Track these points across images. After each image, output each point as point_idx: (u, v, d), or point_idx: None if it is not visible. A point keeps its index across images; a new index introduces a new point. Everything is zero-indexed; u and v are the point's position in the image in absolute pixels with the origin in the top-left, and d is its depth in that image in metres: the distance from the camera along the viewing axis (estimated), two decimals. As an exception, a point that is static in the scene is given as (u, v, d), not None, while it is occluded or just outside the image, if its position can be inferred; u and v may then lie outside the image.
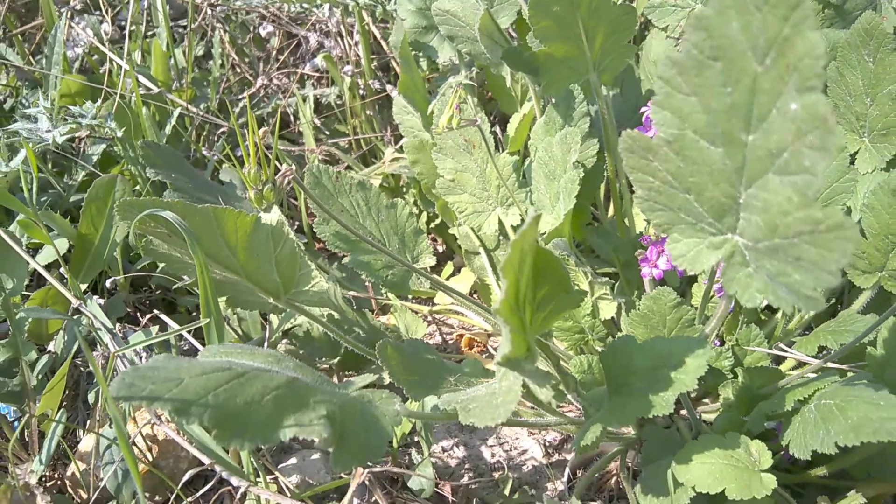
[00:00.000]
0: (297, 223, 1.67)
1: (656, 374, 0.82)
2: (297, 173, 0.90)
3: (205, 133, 1.75)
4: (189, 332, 0.89)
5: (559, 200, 1.16)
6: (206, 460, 0.79)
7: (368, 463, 0.74)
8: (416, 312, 1.47)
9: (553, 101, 1.22)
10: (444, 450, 1.22)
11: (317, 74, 1.85)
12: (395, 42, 1.36)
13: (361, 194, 1.19)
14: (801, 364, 1.07)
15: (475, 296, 1.49)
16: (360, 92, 1.75)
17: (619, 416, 0.82)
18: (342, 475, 0.95)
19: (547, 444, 1.27)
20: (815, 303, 0.60)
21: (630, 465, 1.14)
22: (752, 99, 0.57)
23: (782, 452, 1.07)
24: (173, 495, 0.82)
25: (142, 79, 1.66)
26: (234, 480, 0.77)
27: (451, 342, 1.49)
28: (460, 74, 1.42)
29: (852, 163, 1.05)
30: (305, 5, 1.85)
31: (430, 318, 1.52)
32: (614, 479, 1.17)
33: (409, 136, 1.40)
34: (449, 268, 1.58)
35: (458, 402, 0.82)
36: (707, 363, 0.79)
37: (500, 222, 1.33)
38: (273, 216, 0.88)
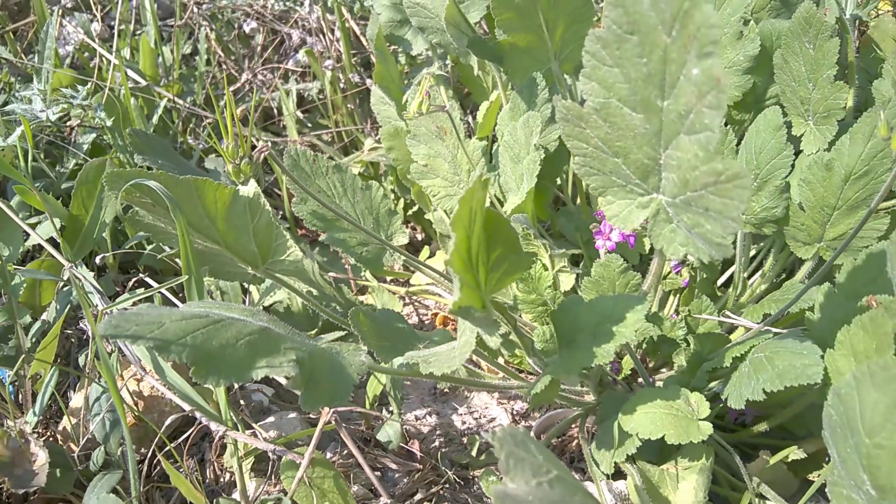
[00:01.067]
0: (280, 212, 1.75)
1: (600, 329, 0.89)
2: (278, 158, 0.98)
3: (191, 125, 1.82)
4: (175, 296, 0.96)
5: (523, 181, 1.24)
6: (186, 407, 0.86)
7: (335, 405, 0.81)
8: (394, 293, 1.54)
9: (518, 88, 1.30)
10: (417, 418, 1.29)
11: (300, 70, 1.93)
12: (371, 35, 1.44)
13: (337, 176, 1.26)
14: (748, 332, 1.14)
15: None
16: (341, 86, 1.82)
17: (566, 366, 0.89)
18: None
19: (514, 412, 1.35)
20: (725, 249, 0.68)
21: (589, 428, 1.22)
22: (664, 68, 0.65)
23: (729, 413, 1.15)
24: (154, 443, 0.88)
25: (130, 73, 1.73)
26: (213, 426, 0.84)
27: (426, 321, 1.57)
28: (434, 66, 1.49)
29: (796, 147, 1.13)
30: (288, 3, 1.93)
31: (406, 299, 1.59)
32: (575, 442, 1.24)
33: (386, 125, 1.48)
34: (425, 252, 1.66)
35: (420, 356, 0.90)
36: (644, 317, 0.87)
37: (471, 205, 1.40)
38: (250, 189, 0.95)
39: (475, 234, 0.78)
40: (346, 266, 1.56)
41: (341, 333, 1.14)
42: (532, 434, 1.25)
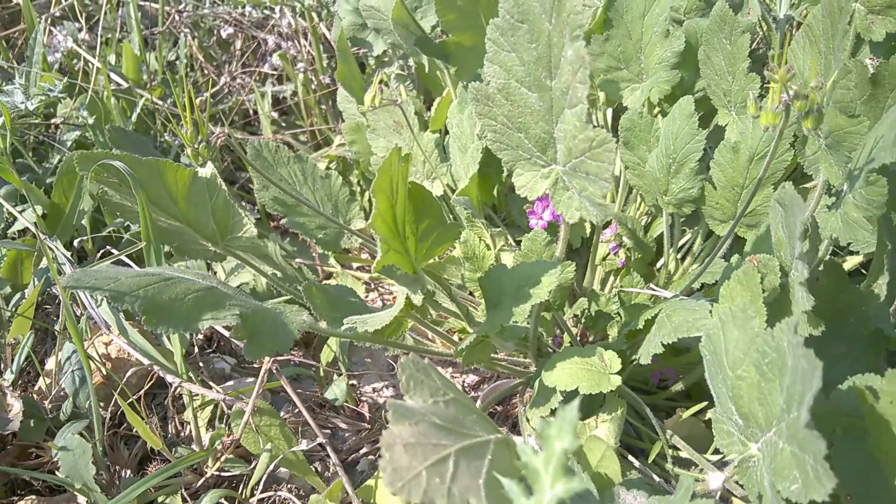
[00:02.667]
0: (256, 206, 1.85)
1: (520, 292, 0.99)
2: (234, 145, 1.08)
3: (170, 125, 1.93)
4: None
5: (469, 169, 1.34)
6: (146, 361, 0.96)
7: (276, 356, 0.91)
8: (358, 279, 1.64)
9: (465, 84, 1.41)
10: (374, 390, 1.38)
11: (276, 73, 2.04)
12: (335, 38, 1.55)
13: (298, 166, 1.37)
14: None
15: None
16: (314, 87, 1.93)
17: (489, 325, 1.00)
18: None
19: (466, 384, 1.45)
20: (605, 209, 0.78)
21: (530, 395, 1.31)
22: (549, 52, 0.76)
23: (652, 376, 1.25)
24: (117, 392, 0.98)
25: (113, 76, 1.84)
26: (169, 378, 0.94)
27: (389, 305, 1.67)
28: (394, 65, 1.61)
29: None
30: (266, 11, 2.05)
31: (371, 285, 1.69)
32: (518, 409, 1.34)
33: (350, 121, 1.59)
34: (390, 241, 1.76)
35: (358, 319, 1.00)
36: (557, 280, 0.97)
37: (427, 193, 1.51)
38: (208, 170, 1.05)
39: (399, 202, 0.89)
40: (314, 254, 1.66)
41: (288, 297, 1.23)
42: (479, 404, 1.36)
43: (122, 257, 1.09)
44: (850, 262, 1.19)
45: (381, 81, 1.31)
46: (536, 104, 0.81)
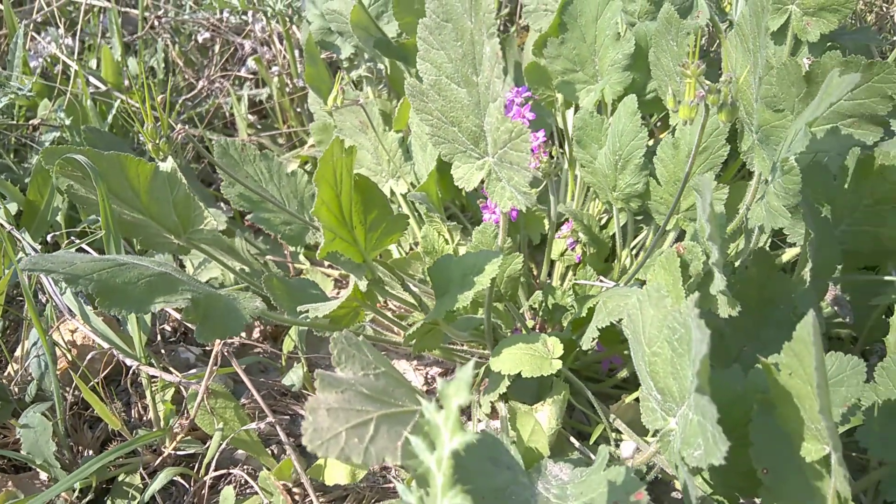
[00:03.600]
0: (230, 206, 1.90)
1: (465, 280, 1.04)
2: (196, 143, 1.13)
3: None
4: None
5: (429, 166, 1.39)
6: (105, 345, 1.01)
7: (227, 339, 0.96)
8: (328, 276, 1.69)
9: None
10: (338, 381, 1.43)
11: (253, 77, 2.09)
12: (303, 41, 1.60)
13: (264, 163, 1.42)
14: (618, 292, 1.29)
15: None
16: (289, 90, 1.99)
17: (437, 312, 1.04)
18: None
19: (429, 376, 1.49)
20: (529, 197, 0.83)
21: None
22: (473, 49, 0.81)
23: (602, 364, 1.30)
24: (78, 373, 1.02)
25: (93, 79, 1.89)
26: (128, 361, 0.99)
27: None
28: (361, 67, 1.66)
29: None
30: (243, 17, 2.10)
31: (341, 281, 1.74)
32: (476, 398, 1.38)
33: (318, 122, 1.64)
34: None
35: (311, 306, 1.05)
36: (500, 268, 1.02)
37: (392, 191, 1.56)
38: (168, 165, 1.10)
39: (344, 192, 0.94)
40: (286, 252, 1.71)
41: (243, 284, 1.28)
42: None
43: (84, 245, 1.13)
44: (790, 254, 1.24)
45: (350, 83, 1.37)
46: (466, 99, 0.86)
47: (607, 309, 1.01)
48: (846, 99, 1.16)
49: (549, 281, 1.51)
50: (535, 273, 1.59)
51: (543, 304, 1.38)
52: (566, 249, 1.50)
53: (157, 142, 1.09)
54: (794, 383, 0.73)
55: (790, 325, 1.02)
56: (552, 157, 1.33)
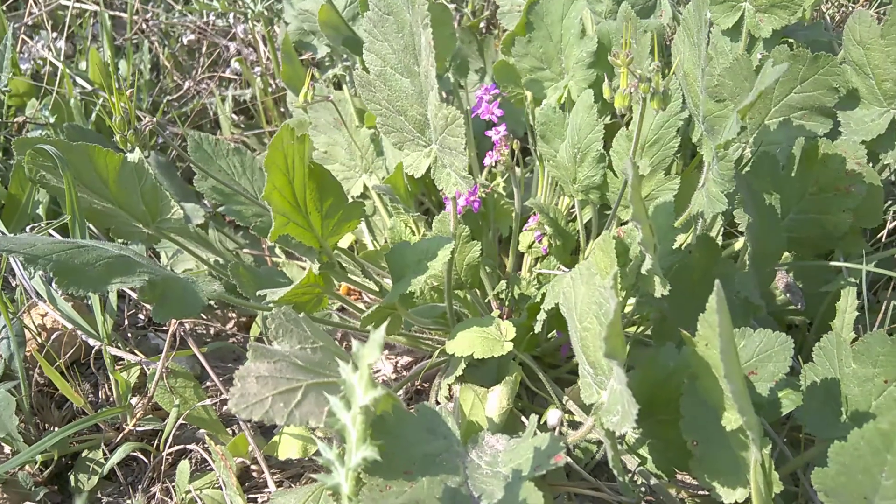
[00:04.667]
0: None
1: (419, 265, 1.08)
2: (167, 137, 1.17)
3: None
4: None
5: (396, 159, 1.43)
6: (69, 325, 1.05)
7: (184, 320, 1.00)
8: (303, 268, 1.73)
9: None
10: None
11: (237, 78, 2.14)
12: (280, 41, 1.65)
13: (237, 158, 1.46)
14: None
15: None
16: (272, 90, 2.03)
17: (391, 296, 1.08)
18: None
19: (399, 366, 1.53)
20: (468, 181, 0.87)
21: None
22: (413, 40, 0.85)
23: (561, 350, 1.33)
24: (42, 352, 1.06)
25: (79, 80, 1.94)
26: (91, 341, 1.03)
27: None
28: (337, 66, 1.70)
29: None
30: (229, 20, 2.15)
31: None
32: (442, 386, 1.41)
33: (293, 119, 1.68)
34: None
35: (270, 291, 1.09)
36: (451, 253, 1.05)
37: (366, 186, 1.60)
38: (135, 156, 1.14)
39: (297, 179, 0.97)
40: (264, 246, 1.75)
41: (194, 262, 1.31)
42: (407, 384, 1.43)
43: (51, 231, 1.18)
44: (742, 241, 1.27)
45: (330, 81, 1.41)
46: (410, 88, 0.90)
47: (554, 292, 1.04)
48: (796, 92, 1.19)
49: (518, 273, 1.55)
50: (505, 265, 1.62)
51: (509, 294, 1.42)
52: (534, 242, 1.53)
53: (126, 133, 1.13)
54: (711, 353, 0.76)
55: (733, 308, 1.06)
56: (513, 151, 1.37)
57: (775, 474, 0.81)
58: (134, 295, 1.26)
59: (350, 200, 1.06)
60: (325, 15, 1.36)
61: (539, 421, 1.14)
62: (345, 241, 1.75)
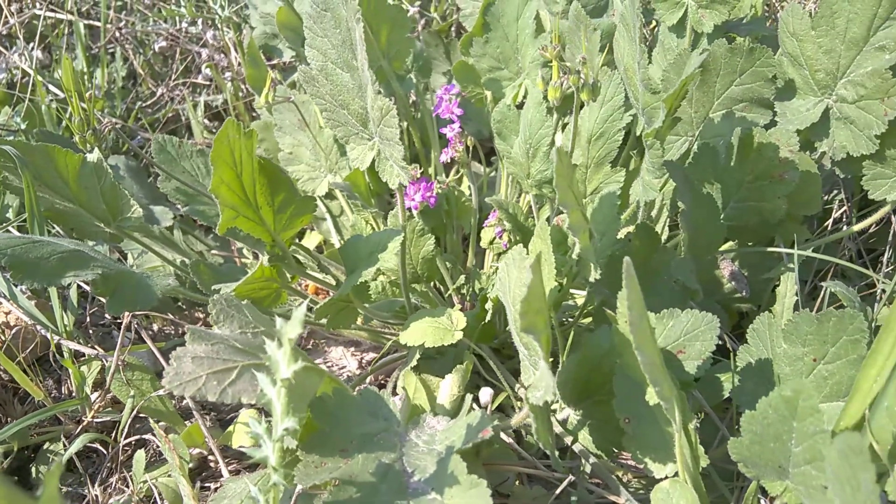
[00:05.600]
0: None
1: (370, 258, 1.11)
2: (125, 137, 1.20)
3: (110, 133, 2.05)
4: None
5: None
6: (29, 321, 1.07)
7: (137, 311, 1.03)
8: (273, 269, 1.76)
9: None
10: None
11: (209, 83, 2.18)
12: (246, 45, 1.68)
13: (202, 159, 1.49)
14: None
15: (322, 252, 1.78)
16: (243, 94, 2.07)
17: (344, 288, 1.11)
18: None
19: (364, 362, 1.56)
20: (407, 172, 0.91)
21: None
22: (350, 35, 0.89)
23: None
24: (1, 349, 1.09)
25: (52, 87, 1.97)
26: (50, 336, 1.06)
27: (300, 289, 1.78)
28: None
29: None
30: (200, 26, 2.19)
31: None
32: (405, 379, 1.44)
33: (259, 121, 1.72)
34: (308, 235, 1.88)
35: (224, 284, 1.12)
36: (400, 245, 1.09)
37: (331, 186, 1.63)
38: (94, 156, 1.17)
39: (245, 174, 1.00)
40: (233, 248, 1.78)
41: (159, 262, 1.34)
42: (371, 375, 1.47)
43: (11, 228, 1.21)
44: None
45: (290, 82, 1.44)
46: (350, 82, 0.93)
47: (502, 279, 1.07)
48: (736, 84, 1.23)
49: (481, 269, 1.58)
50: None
51: (470, 289, 1.45)
52: (494, 238, 1.57)
53: (84, 134, 1.16)
54: (627, 328, 0.79)
55: (672, 293, 1.09)
56: (468, 148, 1.40)
57: (701, 448, 0.84)
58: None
59: (302, 195, 1.09)
60: (283, 17, 1.39)
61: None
62: (312, 242, 1.79)
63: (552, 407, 1.14)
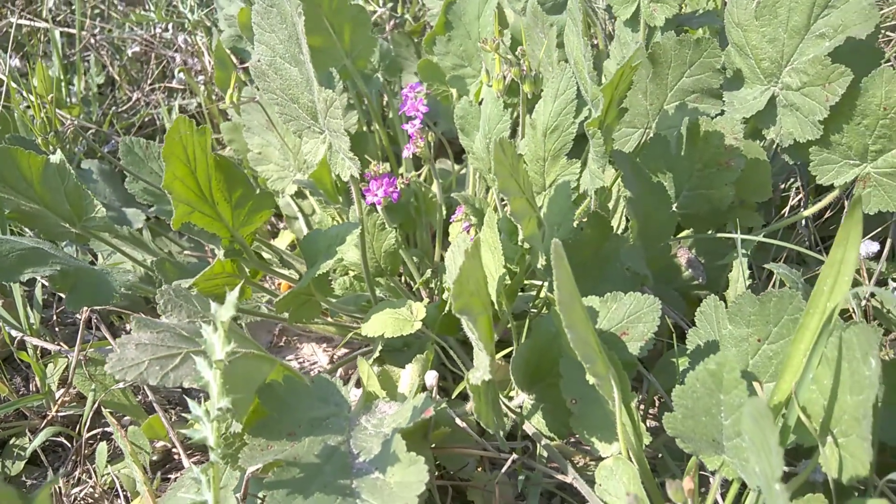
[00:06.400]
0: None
1: (330, 250, 1.13)
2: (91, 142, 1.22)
3: (80, 137, 2.07)
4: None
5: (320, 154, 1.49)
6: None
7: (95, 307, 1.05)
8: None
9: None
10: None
11: (184, 88, 2.20)
12: (214, 47, 1.71)
13: (170, 160, 1.51)
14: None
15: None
16: (217, 97, 2.09)
17: (304, 280, 1.13)
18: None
19: (335, 357, 1.57)
20: (355, 162, 0.93)
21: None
22: (295, 30, 0.91)
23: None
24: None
25: (26, 94, 1.99)
26: (14, 332, 1.08)
27: (272, 288, 1.80)
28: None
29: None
30: (175, 33, 2.21)
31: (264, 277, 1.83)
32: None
33: (228, 122, 1.74)
34: (283, 235, 1.90)
35: (184, 280, 1.13)
36: (358, 237, 1.11)
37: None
38: (57, 157, 1.19)
39: (200, 170, 1.02)
40: (206, 249, 1.80)
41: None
42: (340, 370, 1.48)
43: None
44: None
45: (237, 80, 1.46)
46: (298, 77, 0.96)
47: (447, 267, 1.09)
48: (686, 76, 1.26)
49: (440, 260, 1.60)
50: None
51: (438, 282, 1.47)
52: (461, 232, 1.59)
53: (47, 135, 1.18)
54: (568, 311, 0.82)
55: (624, 280, 1.12)
56: (430, 143, 1.43)
57: (643, 426, 0.86)
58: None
59: (259, 191, 1.12)
60: (244, 17, 1.42)
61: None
62: (285, 240, 1.81)
63: (510, 394, 1.16)
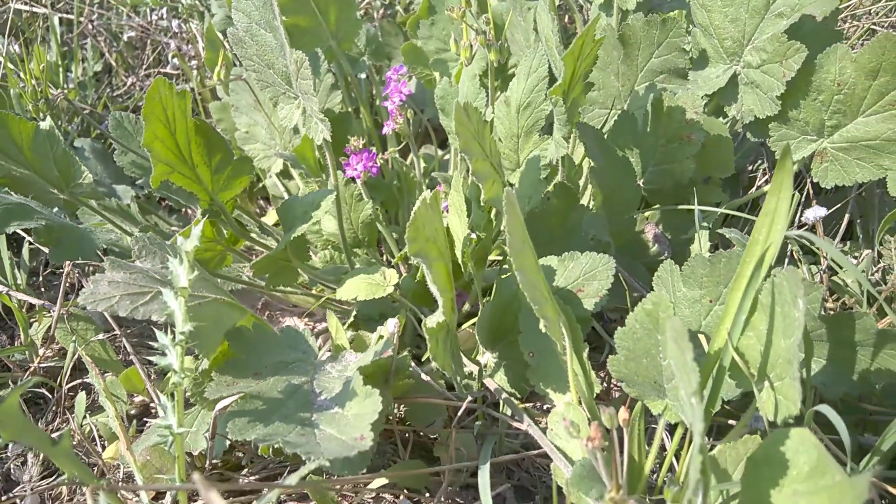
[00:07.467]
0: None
1: (305, 216, 1.18)
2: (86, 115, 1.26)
3: (77, 117, 2.13)
4: None
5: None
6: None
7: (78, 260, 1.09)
8: (233, 246, 1.82)
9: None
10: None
11: (179, 72, 2.25)
12: (205, 30, 1.76)
13: (158, 135, 1.55)
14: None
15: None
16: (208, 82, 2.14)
17: (281, 245, 1.18)
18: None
19: (317, 331, 1.62)
20: (326, 124, 0.97)
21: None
22: (270, -4, 0.95)
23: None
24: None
25: (22, 75, 2.04)
26: (0, 287, 1.12)
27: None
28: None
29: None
30: (173, 20, 2.26)
31: (248, 253, 1.87)
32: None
33: (217, 102, 1.78)
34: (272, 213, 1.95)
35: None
36: (331, 203, 1.15)
37: (286, 164, 1.70)
38: (47, 124, 1.24)
39: (180, 132, 1.07)
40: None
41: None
42: (323, 343, 1.52)
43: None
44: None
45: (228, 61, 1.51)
46: (273, 42, 1.00)
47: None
48: (655, 56, 1.30)
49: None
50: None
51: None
52: (442, 211, 1.63)
53: (37, 102, 1.23)
54: (522, 261, 0.86)
55: (586, 246, 1.16)
56: (408, 120, 1.47)
57: (593, 374, 0.91)
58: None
59: (238, 156, 1.16)
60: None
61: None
62: (271, 218, 1.85)
63: (477, 357, 1.21)
